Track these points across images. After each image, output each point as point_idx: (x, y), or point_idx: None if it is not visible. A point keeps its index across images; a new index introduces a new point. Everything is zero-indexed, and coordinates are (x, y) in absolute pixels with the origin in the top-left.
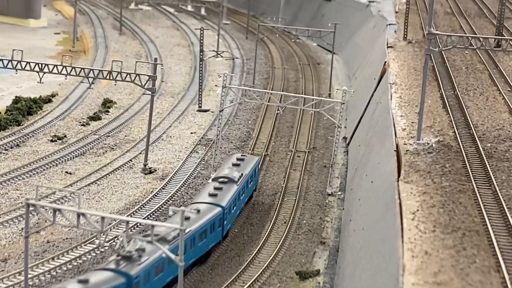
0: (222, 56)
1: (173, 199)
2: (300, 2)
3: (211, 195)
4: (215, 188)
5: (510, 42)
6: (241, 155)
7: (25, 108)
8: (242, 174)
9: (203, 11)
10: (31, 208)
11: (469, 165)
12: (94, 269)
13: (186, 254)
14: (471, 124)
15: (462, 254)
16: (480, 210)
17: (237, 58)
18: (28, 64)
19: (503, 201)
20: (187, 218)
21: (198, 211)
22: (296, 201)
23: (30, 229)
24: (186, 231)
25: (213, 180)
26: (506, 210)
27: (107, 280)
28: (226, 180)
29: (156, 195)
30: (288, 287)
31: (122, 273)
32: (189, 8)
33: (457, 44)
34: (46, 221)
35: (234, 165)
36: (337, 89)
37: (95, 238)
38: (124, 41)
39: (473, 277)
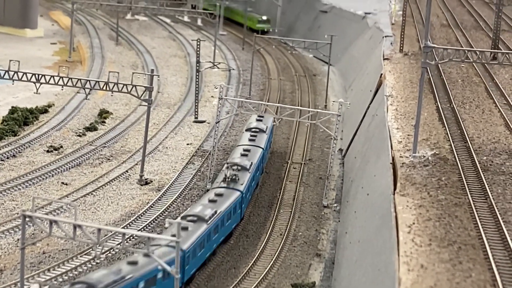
0: (218, 67)
1: (169, 210)
2: (297, 13)
3: (250, 139)
4: (251, 135)
5: (507, 55)
6: (259, 115)
7: (21, 119)
8: (267, 127)
9: (199, 22)
10: (27, 220)
11: (465, 178)
12: (212, 187)
13: (253, 182)
14: (467, 137)
15: (458, 268)
16: (476, 224)
17: (233, 69)
18: (25, 75)
19: (499, 215)
20: (246, 155)
21: (249, 150)
22: (292, 213)
23: (26, 240)
24: (254, 163)
25: (246, 130)
26: (502, 223)
27: (231, 193)
28: (258, 130)
29: (152, 206)
30: None
31: (236, 190)
32: (186, 18)
33: (454, 57)
34: (42, 232)
35: (257, 120)
36: (333, 101)
37: (91, 249)
38: (120, 51)
39: None
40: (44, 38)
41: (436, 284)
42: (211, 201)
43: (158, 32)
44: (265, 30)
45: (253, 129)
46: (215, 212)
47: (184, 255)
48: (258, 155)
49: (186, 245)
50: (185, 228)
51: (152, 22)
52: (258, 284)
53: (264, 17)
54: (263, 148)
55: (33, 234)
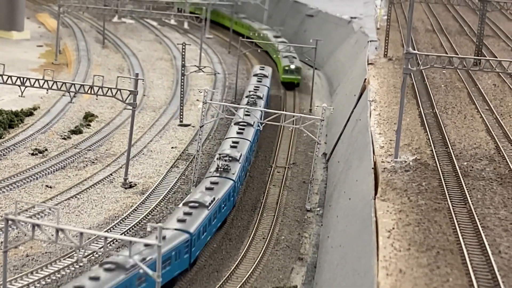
0: (204, 71)
1: (152, 213)
2: (283, 17)
3: (258, 81)
4: (258, 79)
5: (490, 62)
6: (261, 66)
7: (6, 121)
8: (268, 74)
9: (186, 25)
10: (9, 223)
11: (445, 183)
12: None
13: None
14: (449, 143)
15: (436, 273)
16: (454, 229)
17: (219, 73)
18: (10, 78)
19: (477, 220)
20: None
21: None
22: (275, 216)
23: (9, 243)
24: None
25: (254, 75)
26: (480, 229)
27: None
28: (262, 75)
29: (135, 210)
30: None
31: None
32: (172, 22)
33: (435, 63)
34: (25, 235)
35: (261, 69)
36: (317, 106)
37: (74, 252)
38: (106, 54)
39: None
40: (31, 41)
41: None
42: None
43: (144, 35)
44: (295, 83)
45: (259, 75)
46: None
47: None
48: (266, 86)
49: None
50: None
51: (139, 25)
52: (240, 287)
53: (293, 66)
54: (268, 87)
55: (17, 237)
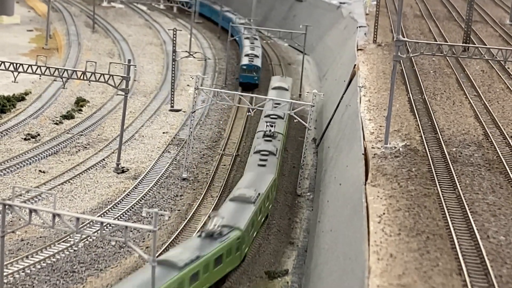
0: (194, 57)
1: (145, 198)
2: (272, 2)
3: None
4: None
5: (479, 49)
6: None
7: None
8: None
9: (175, 10)
10: (6, 207)
11: (434, 169)
12: None
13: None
14: (438, 129)
15: (426, 257)
16: (444, 214)
17: (209, 59)
18: (3, 64)
19: (466, 205)
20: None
21: None
22: None
23: (5, 228)
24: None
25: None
26: (469, 214)
27: None
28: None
29: (128, 195)
30: (257, 286)
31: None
32: (162, 6)
33: (425, 50)
34: (20, 220)
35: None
36: (307, 92)
37: (69, 237)
38: (96, 39)
39: (436, 280)
40: (21, 25)
41: (404, 273)
42: None
43: (134, 19)
44: None
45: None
46: None
47: None
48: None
49: None
50: None
51: (128, 10)
52: (232, 271)
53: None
54: None
55: (11, 221)
